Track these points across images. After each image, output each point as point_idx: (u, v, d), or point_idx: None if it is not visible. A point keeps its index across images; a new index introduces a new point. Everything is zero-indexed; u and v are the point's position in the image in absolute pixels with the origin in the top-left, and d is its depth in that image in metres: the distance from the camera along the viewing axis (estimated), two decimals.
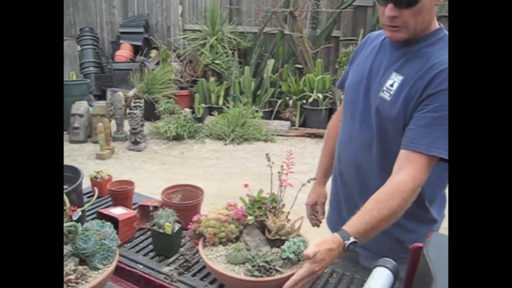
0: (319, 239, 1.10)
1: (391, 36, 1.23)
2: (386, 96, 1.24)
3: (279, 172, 1.24)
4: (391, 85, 1.24)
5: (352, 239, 1.08)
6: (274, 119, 5.98)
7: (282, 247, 1.17)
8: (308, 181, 1.29)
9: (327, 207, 1.62)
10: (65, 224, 1.09)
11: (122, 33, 7.33)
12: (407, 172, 1.14)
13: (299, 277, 1.06)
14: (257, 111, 5.82)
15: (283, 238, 1.20)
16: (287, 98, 6.07)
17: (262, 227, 1.24)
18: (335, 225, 1.55)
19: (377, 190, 1.29)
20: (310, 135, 5.70)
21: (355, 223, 1.12)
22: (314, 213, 1.62)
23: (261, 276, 1.09)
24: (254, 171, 4.50)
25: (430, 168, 1.15)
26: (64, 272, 1.02)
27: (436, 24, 1.24)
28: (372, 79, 1.31)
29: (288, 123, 5.88)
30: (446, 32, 1.24)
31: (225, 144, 5.38)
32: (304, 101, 5.88)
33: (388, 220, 1.13)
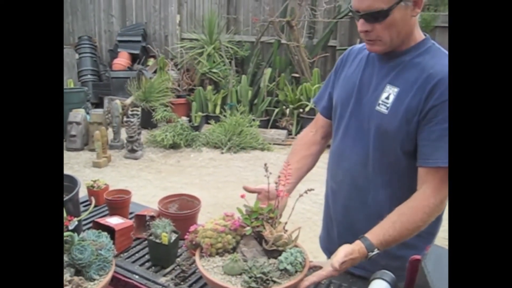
0: (347, 247, 1.13)
1: (369, 49, 1.25)
2: (383, 109, 1.23)
3: (276, 183, 1.24)
4: (387, 98, 1.23)
5: (376, 251, 1.12)
6: (271, 128, 5.99)
7: (279, 258, 1.16)
8: (306, 192, 1.29)
9: (320, 226, 1.59)
10: None
11: (120, 41, 7.34)
12: (429, 186, 1.16)
13: (318, 279, 1.11)
14: (254, 120, 5.83)
15: (280, 249, 1.19)
16: (284, 107, 6.09)
17: (259, 237, 1.24)
18: (325, 244, 1.54)
19: (376, 206, 1.30)
20: None
21: (379, 235, 1.14)
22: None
23: (258, 287, 1.08)
24: (251, 180, 4.49)
25: None
26: None
27: (421, 35, 1.24)
28: (363, 94, 1.30)
29: (285, 132, 5.89)
30: (433, 42, 1.25)
31: (222, 153, 5.37)
32: (301, 110, 5.89)
33: (410, 234, 1.16)
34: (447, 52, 1.22)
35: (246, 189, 1.33)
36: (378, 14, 1.13)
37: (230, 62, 6.49)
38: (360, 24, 1.18)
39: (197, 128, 5.85)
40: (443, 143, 1.13)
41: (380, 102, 1.24)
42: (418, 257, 1.03)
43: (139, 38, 7.25)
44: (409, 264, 1.06)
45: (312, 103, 5.72)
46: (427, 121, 1.16)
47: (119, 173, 4.68)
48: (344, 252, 1.12)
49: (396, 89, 1.21)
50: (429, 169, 1.17)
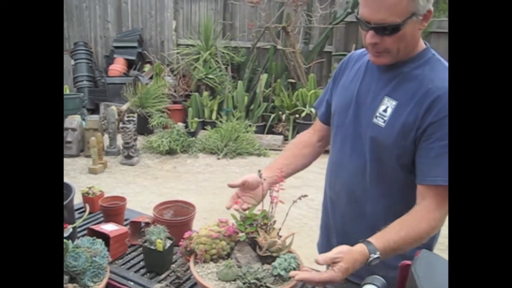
0: (344, 247, 1.08)
1: (373, 61, 1.23)
2: (380, 122, 1.21)
3: (270, 189, 1.25)
4: (385, 111, 1.21)
5: (377, 254, 1.07)
6: (267, 133, 6.00)
7: (273, 263, 1.17)
8: (300, 198, 1.30)
9: (317, 232, 1.57)
10: None
11: (116, 47, 7.35)
12: (430, 202, 1.14)
13: (318, 280, 1.05)
14: (250, 125, 5.84)
15: (274, 254, 1.20)
16: (280, 112, 6.11)
17: (253, 243, 1.25)
18: (325, 252, 1.52)
19: (373, 217, 1.28)
20: None
21: (383, 240, 1.10)
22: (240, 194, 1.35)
23: None
24: None
25: None
26: None
27: (422, 45, 1.23)
28: (361, 103, 1.28)
29: (281, 137, 5.91)
30: (434, 53, 1.23)
31: (218, 159, 5.38)
32: (297, 116, 5.91)
33: (413, 244, 1.13)
34: (447, 64, 1.20)
35: (231, 186, 1.33)
36: (390, 27, 1.11)
37: (226, 68, 6.51)
38: (370, 36, 1.14)
39: (193, 134, 5.85)
40: (442, 160, 1.11)
41: (377, 114, 1.23)
42: (408, 262, 1.04)
43: (135, 44, 7.26)
44: (400, 269, 1.07)
45: (308, 109, 5.75)
46: (426, 138, 1.15)
47: (115, 179, 4.68)
48: (337, 249, 1.08)
49: (394, 102, 1.20)
50: (428, 186, 1.15)
